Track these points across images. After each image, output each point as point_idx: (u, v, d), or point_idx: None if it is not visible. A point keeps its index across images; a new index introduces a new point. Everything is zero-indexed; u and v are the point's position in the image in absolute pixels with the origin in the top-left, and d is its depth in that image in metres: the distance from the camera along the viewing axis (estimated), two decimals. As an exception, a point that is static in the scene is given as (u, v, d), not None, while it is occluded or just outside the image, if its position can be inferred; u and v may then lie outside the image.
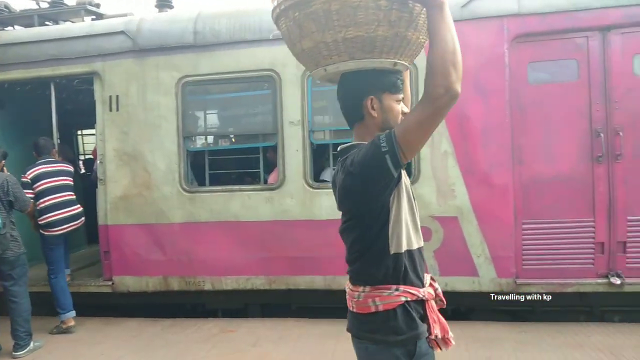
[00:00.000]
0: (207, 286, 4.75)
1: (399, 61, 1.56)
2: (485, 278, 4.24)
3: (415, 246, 1.60)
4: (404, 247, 1.55)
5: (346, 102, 1.64)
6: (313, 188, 4.49)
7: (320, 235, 4.43)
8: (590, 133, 4.12)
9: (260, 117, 4.87)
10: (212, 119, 5.51)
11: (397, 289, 1.55)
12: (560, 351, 3.64)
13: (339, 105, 1.68)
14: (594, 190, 4.12)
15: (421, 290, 1.58)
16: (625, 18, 4.01)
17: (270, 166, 4.87)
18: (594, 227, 4.14)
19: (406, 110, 1.63)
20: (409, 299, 1.55)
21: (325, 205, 4.42)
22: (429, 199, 4.28)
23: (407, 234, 1.57)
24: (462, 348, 3.78)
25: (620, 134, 4.06)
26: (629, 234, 4.11)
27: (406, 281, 1.56)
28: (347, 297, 1.68)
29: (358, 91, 1.59)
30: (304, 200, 4.48)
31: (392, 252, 1.54)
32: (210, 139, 5.80)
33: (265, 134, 4.64)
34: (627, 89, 4.07)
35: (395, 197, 1.53)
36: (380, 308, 1.55)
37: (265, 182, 4.74)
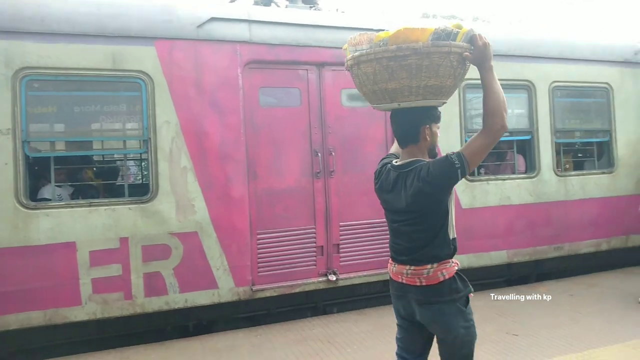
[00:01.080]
0: None
1: (446, 101, 2.22)
2: (224, 289, 4.40)
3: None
4: (455, 234, 2.24)
5: (407, 129, 2.24)
6: (29, 208, 3.83)
7: (38, 263, 3.81)
8: (311, 152, 4.79)
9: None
10: None
11: (452, 262, 2.22)
12: (287, 348, 4.05)
13: (395, 129, 2.28)
14: (314, 201, 4.79)
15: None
16: (334, 57, 4.84)
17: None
18: (315, 233, 4.80)
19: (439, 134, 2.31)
20: (457, 268, 2.23)
21: (44, 228, 3.83)
22: (168, 216, 4.21)
23: (454, 224, 2.25)
24: (201, 362, 3.82)
25: (333, 153, 4.84)
26: (341, 237, 4.92)
27: (454, 256, 2.23)
28: (407, 277, 2.21)
29: (417, 121, 2.21)
30: (16, 223, 3.78)
31: (451, 237, 2.21)
32: None
33: (-43, 144, 3.75)
34: (337, 116, 4.90)
35: (450, 198, 2.18)
36: (447, 277, 2.17)
37: (-41, 203, 3.81)
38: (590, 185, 5.96)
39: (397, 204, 2.21)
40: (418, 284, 2.18)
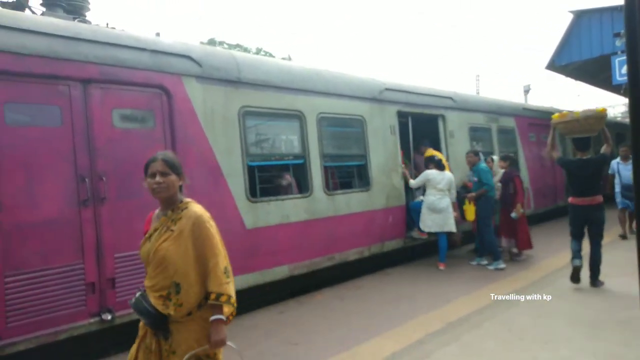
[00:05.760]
0: None
1: (595, 133, 6.05)
2: (-45, 352, 3.50)
3: None
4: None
5: (587, 144, 5.95)
6: None
7: None
8: (76, 177, 4.26)
9: None
10: None
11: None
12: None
13: (580, 144, 6.00)
14: (82, 233, 4.25)
15: None
16: (102, 75, 4.46)
17: None
18: (83, 269, 4.25)
19: None
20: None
21: None
22: None
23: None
24: None
25: (104, 179, 4.40)
26: (117, 270, 4.47)
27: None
28: (587, 200, 5.79)
29: (590, 141, 6.01)
30: None
31: (600, 183, 6.14)
32: None
33: None
34: (108, 138, 4.49)
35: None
36: (602, 200, 5.88)
37: None
38: (352, 201, 6.91)
39: (586, 172, 5.72)
40: (594, 203, 5.73)
